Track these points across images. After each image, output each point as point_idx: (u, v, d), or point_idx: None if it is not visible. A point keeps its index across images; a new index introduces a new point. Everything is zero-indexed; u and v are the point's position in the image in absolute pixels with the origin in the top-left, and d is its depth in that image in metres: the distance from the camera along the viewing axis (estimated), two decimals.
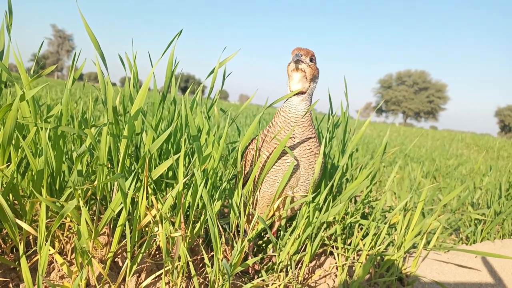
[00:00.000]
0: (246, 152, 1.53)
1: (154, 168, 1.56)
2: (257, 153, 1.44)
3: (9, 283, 1.27)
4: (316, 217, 1.55)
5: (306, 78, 1.37)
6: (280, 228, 1.64)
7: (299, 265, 1.63)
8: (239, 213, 1.46)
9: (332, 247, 1.75)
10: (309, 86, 1.39)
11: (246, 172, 1.52)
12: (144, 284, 1.28)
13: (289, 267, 1.54)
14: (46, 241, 1.23)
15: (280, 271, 1.54)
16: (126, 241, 1.39)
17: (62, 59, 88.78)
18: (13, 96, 1.74)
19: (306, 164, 1.44)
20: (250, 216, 1.59)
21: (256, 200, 1.52)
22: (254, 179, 1.44)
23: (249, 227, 1.60)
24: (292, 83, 1.39)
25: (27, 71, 1.33)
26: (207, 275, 1.49)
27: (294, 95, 1.38)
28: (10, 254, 1.40)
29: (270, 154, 1.40)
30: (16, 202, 1.47)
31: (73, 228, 1.41)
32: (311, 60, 1.38)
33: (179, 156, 1.32)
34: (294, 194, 1.47)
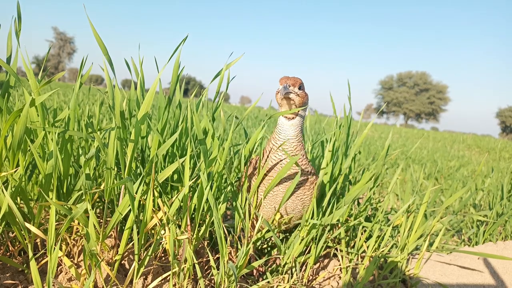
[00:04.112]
0: (248, 164, 1.57)
1: (160, 171, 1.58)
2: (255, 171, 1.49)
3: (18, 286, 1.29)
4: (320, 224, 1.57)
5: (296, 105, 1.40)
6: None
7: (304, 267, 1.64)
8: (244, 216, 1.48)
9: (336, 249, 1.76)
10: (298, 112, 1.42)
11: (248, 181, 1.55)
12: (151, 286, 1.29)
13: (293, 269, 1.55)
14: (55, 244, 1.24)
15: (285, 273, 1.55)
16: (132, 244, 1.41)
17: (63, 61, 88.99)
18: (20, 99, 1.76)
19: (293, 196, 1.48)
20: (254, 221, 1.60)
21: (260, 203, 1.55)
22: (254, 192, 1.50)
23: (252, 231, 1.62)
24: (282, 110, 1.43)
25: (35, 75, 1.35)
26: (212, 277, 1.50)
27: (285, 117, 1.42)
28: (18, 257, 1.42)
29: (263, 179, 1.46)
30: (22, 205, 1.49)
31: (80, 231, 1.43)
32: (299, 88, 1.41)
33: (185, 159, 1.34)
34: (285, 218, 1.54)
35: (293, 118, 1.42)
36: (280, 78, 1.41)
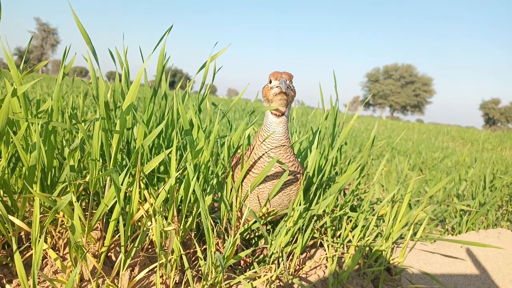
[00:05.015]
0: (232, 158, 1.56)
1: (146, 162, 1.57)
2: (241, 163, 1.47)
3: (2, 279, 1.27)
4: (306, 214, 1.58)
5: (287, 101, 1.36)
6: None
7: (290, 257, 1.66)
8: (230, 207, 1.49)
9: (322, 239, 1.78)
10: (286, 108, 1.38)
11: (233, 175, 1.53)
12: (137, 278, 1.29)
13: (280, 259, 1.57)
14: (40, 236, 1.23)
15: (272, 263, 1.56)
16: (119, 236, 1.40)
17: (47, 53, 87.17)
18: (2, 91, 1.72)
19: (280, 193, 1.47)
20: (238, 213, 1.60)
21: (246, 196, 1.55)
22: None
23: (239, 222, 1.62)
24: (272, 106, 1.36)
25: (17, 67, 1.32)
26: (199, 268, 1.51)
27: (273, 114, 1.38)
28: (2, 250, 1.40)
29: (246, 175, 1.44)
30: (5, 198, 1.46)
31: (65, 224, 1.42)
32: (291, 82, 1.37)
33: (171, 150, 1.33)
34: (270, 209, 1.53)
35: (281, 115, 1.38)
36: (271, 73, 1.35)
